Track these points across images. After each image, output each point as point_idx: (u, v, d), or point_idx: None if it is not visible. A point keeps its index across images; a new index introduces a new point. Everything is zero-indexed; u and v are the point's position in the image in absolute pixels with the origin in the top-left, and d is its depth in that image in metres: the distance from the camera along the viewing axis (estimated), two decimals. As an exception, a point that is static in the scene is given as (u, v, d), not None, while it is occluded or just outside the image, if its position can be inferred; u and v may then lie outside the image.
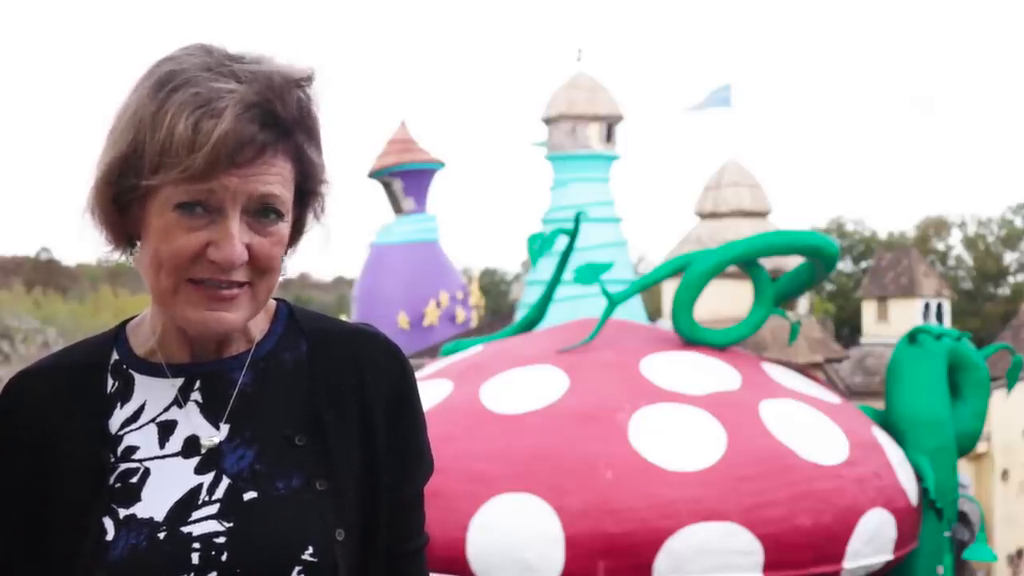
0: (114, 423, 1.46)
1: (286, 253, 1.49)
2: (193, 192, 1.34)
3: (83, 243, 1.46)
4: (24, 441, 1.46)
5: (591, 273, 6.29)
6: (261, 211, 1.39)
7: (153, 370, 1.48)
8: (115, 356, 1.51)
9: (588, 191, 15.62)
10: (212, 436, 1.44)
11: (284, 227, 1.42)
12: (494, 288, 44.60)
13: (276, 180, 1.38)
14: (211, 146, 1.31)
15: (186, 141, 1.32)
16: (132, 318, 1.57)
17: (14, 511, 1.45)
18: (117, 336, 1.54)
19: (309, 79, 1.41)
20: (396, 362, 1.55)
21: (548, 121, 16.20)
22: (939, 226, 45.12)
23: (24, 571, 1.45)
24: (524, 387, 5.67)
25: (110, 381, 1.49)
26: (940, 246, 44.86)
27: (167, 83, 1.36)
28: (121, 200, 1.40)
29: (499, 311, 29.69)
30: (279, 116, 1.37)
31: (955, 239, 45.29)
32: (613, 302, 6.30)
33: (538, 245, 7.07)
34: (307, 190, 1.46)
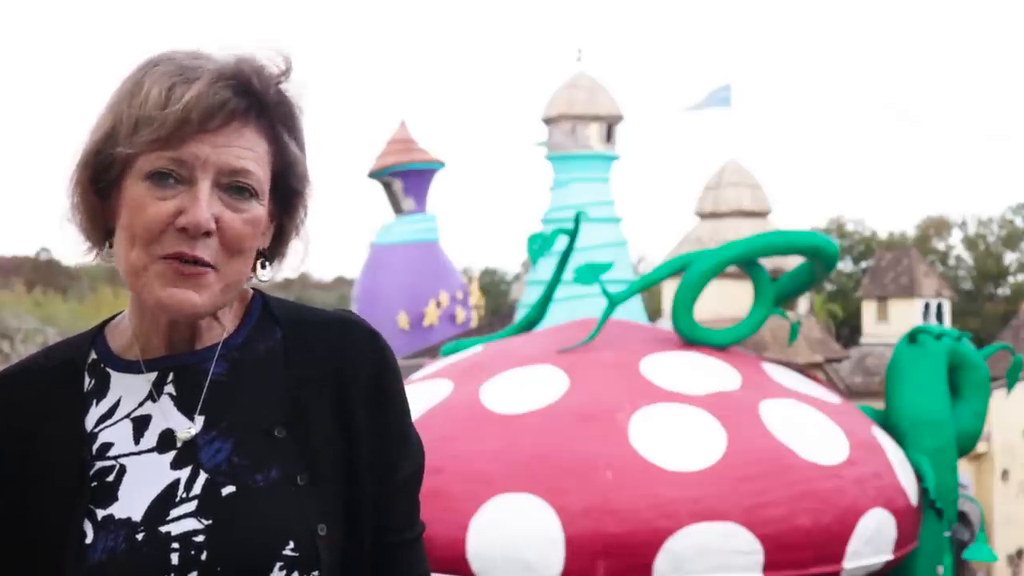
0: (90, 421, 1.44)
1: (268, 258, 1.48)
2: (165, 160, 1.35)
3: (70, 248, 1.46)
4: (4, 446, 1.44)
5: (591, 273, 6.28)
6: (234, 187, 1.38)
7: (129, 367, 1.47)
8: (92, 355, 1.49)
9: (588, 191, 15.65)
10: (188, 428, 1.42)
11: (258, 209, 1.40)
12: (494, 288, 44.60)
13: (249, 156, 1.38)
14: (182, 107, 1.33)
15: (158, 103, 1.34)
16: (112, 317, 1.55)
17: None
18: (95, 336, 1.52)
19: (286, 69, 1.42)
20: (375, 347, 1.51)
21: (548, 121, 16.22)
22: (939, 226, 45.12)
23: (6, 573, 1.43)
24: (524, 387, 5.66)
25: (87, 380, 1.47)
26: (940, 246, 44.86)
27: (149, 63, 1.39)
28: (100, 183, 1.40)
29: (499, 311, 29.65)
30: (254, 87, 1.37)
31: (955, 239, 45.32)
32: (613, 302, 6.30)
33: (538, 245, 7.07)
34: (288, 186, 1.44)
